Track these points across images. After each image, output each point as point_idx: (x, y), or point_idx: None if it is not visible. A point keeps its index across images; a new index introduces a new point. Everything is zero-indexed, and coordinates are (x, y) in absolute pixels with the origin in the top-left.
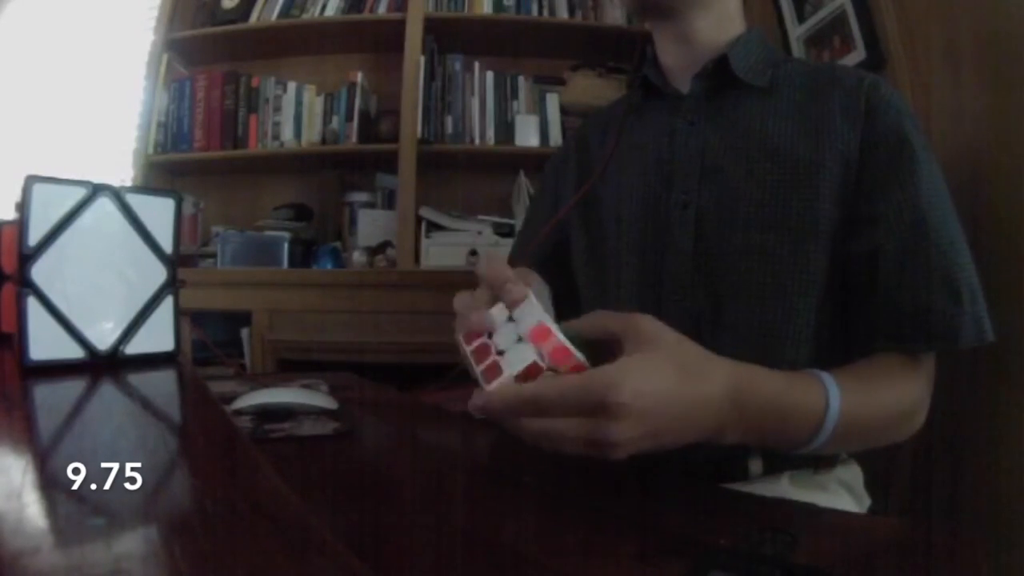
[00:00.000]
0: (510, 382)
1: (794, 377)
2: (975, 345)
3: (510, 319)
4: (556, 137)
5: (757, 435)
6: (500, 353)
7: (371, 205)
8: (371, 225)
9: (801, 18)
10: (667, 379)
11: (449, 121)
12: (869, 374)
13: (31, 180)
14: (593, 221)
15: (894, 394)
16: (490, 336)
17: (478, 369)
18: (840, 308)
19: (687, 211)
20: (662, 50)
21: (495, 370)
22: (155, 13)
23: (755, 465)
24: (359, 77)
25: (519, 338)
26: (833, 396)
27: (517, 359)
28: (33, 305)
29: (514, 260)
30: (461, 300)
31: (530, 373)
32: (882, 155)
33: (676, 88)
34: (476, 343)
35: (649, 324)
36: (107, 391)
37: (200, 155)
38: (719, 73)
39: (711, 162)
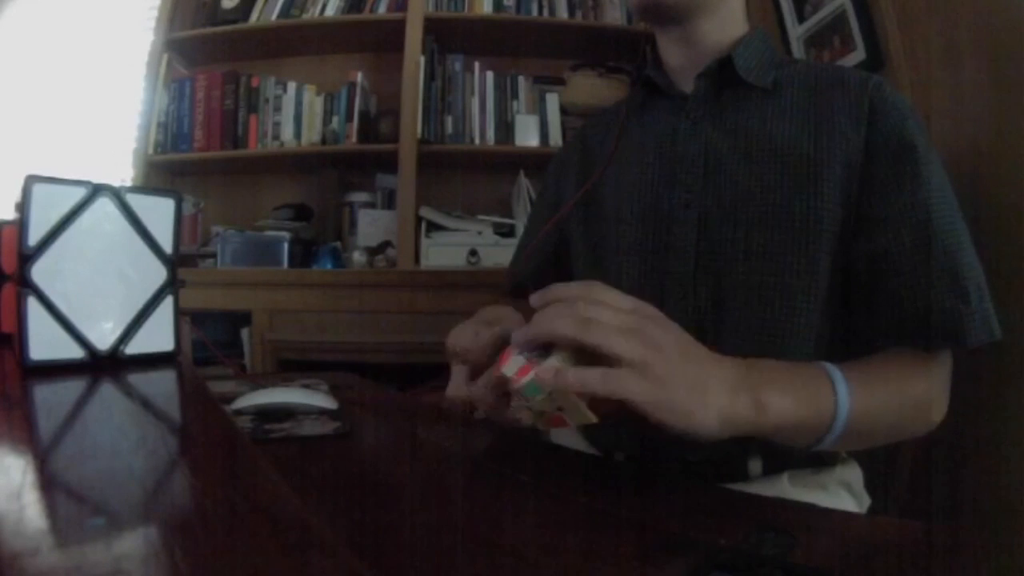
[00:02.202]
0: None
1: (793, 362)
2: (984, 343)
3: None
4: (556, 137)
5: (791, 397)
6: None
7: (371, 205)
8: (371, 225)
9: (801, 18)
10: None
11: (449, 121)
12: (878, 366)
13: (31, 180)
14: (594, 221)
15: (902, 382)
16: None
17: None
18: (842, 309)
19: (689, 210)
20: (665, 51)
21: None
22: (155, 13)
23: (755, 465)
24: (359, 77)
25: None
26: (838, 378)
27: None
28: (33, 305)
29: (516, 263)
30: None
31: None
32: (886, 156)
33: (679, 88)
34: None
35: None
36: (107, 391)
37: (200, 155)
38: (722, 73)
39: (714, 162)
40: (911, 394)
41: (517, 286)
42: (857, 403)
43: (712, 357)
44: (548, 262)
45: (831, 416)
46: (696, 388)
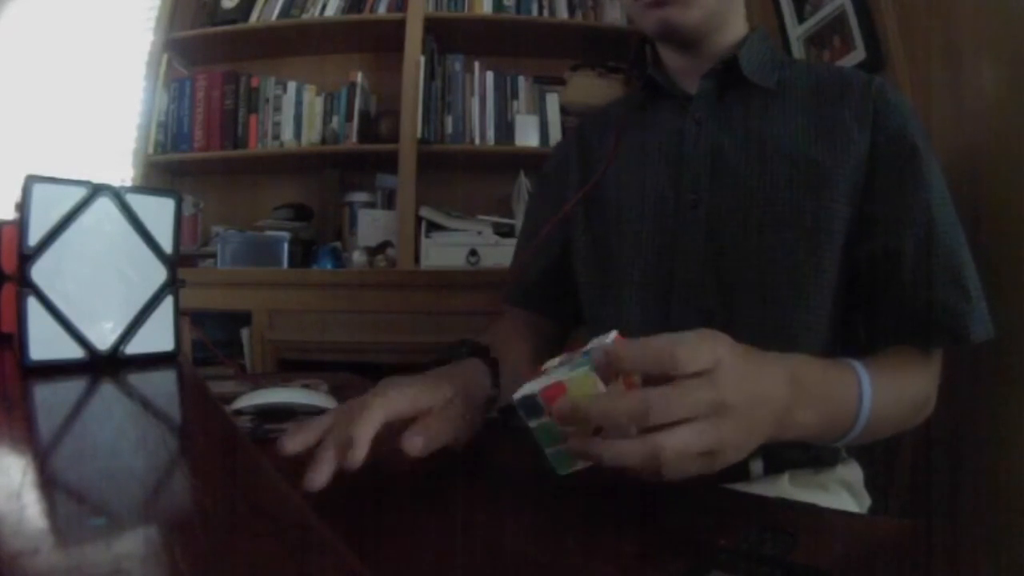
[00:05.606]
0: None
1: (827, 360)
2: (984, 340)
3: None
4: (556, 137)
5: (815, 412)
6: None
7: (371, 205)
8: (371, 225)
9: (801, 18)
10: (736, 354)
11: (449, 121)
12: (891, 364)
13: (31, 180)
14: (596, 221)
15: (913, 384)
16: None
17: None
18: (846, 307)
19: (697, 211)
20: (667, 54)
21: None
22: (155, 13)
23: (755, 465)
24: (359, 77)
25: None
26: (864, 377)
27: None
28: (33, 305)
29: (517, 268)
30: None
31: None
32: (891, 158)
33: (682, 88)
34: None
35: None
36: (107, 391)
37: (200, 155)
38: (727, 74)
39: (721, 162)
40: (915, 391)
41: (521, 296)
42: (877, 405)
43: (771, 391)
44: (552, 267)
45: (851, 423)
46: (753, 439)
